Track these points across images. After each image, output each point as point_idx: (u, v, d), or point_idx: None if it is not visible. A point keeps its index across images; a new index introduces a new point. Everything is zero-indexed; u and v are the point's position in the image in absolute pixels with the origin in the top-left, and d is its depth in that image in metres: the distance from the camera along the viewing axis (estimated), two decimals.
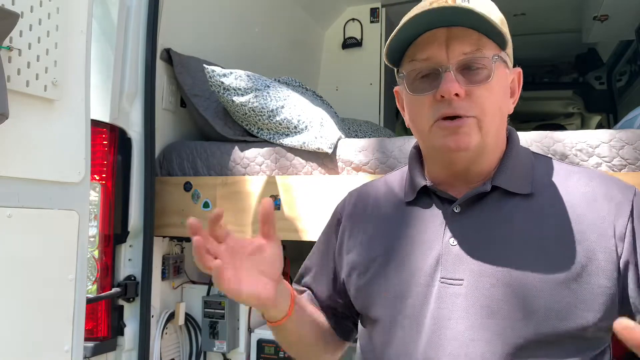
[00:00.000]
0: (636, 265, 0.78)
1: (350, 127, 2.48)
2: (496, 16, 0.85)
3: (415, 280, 0.86)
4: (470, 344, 0.79)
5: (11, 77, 1.05)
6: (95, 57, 1.37)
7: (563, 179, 0.87)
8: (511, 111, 0.91)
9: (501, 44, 0.84)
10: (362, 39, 3.38)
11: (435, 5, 0.80)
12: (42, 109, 1.15)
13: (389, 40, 0.85)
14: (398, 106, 0.96)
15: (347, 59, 3.41)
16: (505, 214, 0.85)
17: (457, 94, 0.80)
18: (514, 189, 0.86)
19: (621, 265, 0.78)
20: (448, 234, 0.86)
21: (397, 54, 0.88)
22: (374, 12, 3.37)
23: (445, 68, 0.81)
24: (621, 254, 0.79)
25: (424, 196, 0.92)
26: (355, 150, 1.71)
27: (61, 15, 1.17)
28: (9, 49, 1.04)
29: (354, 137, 2.24)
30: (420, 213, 0.91)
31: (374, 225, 0.96)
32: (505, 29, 0.84)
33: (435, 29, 0.83)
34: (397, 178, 1.02)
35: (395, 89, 0.96)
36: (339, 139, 1.77)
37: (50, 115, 1.17)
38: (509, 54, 0.88)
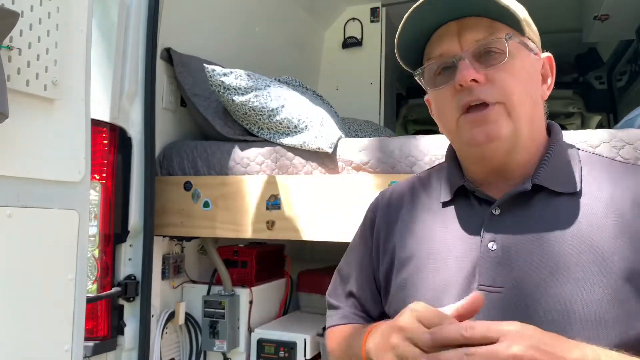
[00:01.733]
0: None
1: (351, 127, 2.48)
2: (510, 2, 0.81)
3: (451, 286, 0.81)
4: None
5: (11, 76, 1.05)
6: (95, 56, 1.36)
7: (618, 177, 0.80)
8: (545, 97, 0.86)
9: (517, 27, 0.80)
10: (362, 38, 3.38)
11: None
12: (42, 109, 1.15)
13: (396, 39, 0.84)
14: (432, 115, 0.92)
15: (347, 59, 3.41)
16: (549, 215, 0.79)
17: (475, 80, 0.78)
18: (559, 187, 0.80)
19: None
20: (487, 237, 0.80)
21: (412, 54, 0.87)
22: (374, 12, 3.37)
23: (459, 57, 0.80)
24: None
25: (461, 197, 0.88)
26: (355, 149, 1.71)
27: (61, 14, 1.17)
28: (9, 48, 1.04)
29: (354, 137, 2.24)
30: (458, 214, 0.87)
31: (409, 226, 0.92)
32: (521, 13, 0.81)
33: (445, 25, 0.82)
34: (432, 177, 0.97)
35: (426, 97, 0.93)
36: (339, 139, 1.77)
37: (50, 115, 1.17)
38: (532, 39, 0.84)
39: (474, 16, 0.80)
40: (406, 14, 0.82)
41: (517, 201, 0.81)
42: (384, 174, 1.63)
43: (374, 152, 1.67)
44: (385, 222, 0.97)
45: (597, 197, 0.78)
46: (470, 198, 0.86)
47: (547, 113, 0.89)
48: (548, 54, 0.88)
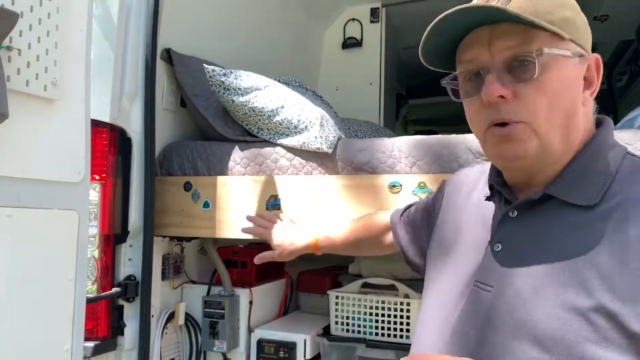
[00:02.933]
0: None
1: (350, 127, 2.48)
2: (546, 5, 0.75)
3: (459, 277, 0.86)
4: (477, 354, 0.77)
5: (11, 76, 1.05)
6: (95, 56, 1.36)
7: None
8: (587, 105, 0.80)
9: (559, 33, 0.75)
10: (362, 39, 3.38)
11: (470, 5, 0.75)
12: (42, 109, 1.15)
13: (422, 44, 0.82)
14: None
15: (347, 59, 3.41)
16: (556, 226, 0.76)
17: (502, 97, 0.75)
18: (572, 198, 0.76)
19: None
20: (495, 238, 0.82)
21: (442, 56, 0.84)
22: (374, 12, 3.36)
23: (487, 70, 0.77)
24: None
25: (497, 194, 0.88)
26: (355, 150, 1.71)
27: (61, 14, 1.17)
28: (9, 48, 1.04)
29: (354, 137, 2.24)
30: (489, 211, 0.88)
31: (459, 213, 0.96)
32: (557, 15, 0.75)
33: (477, 29, 0.78)
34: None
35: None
36: (339, 139, 1.77)
37: (50, 115, 1.17)
38: (576, 40, 0.77)
39: (508, 22, 0.75)
40: (435, 20, 0.78)
41: (532, 207, 0.80)
42: (383, 174, 1.63)
43: (373, 152, 1.67)
44: (448, 201, 1.03)
45: (619, 212, 0.72)
46: (501, 197, 0.87)
47: (595, 111, 0.83)
48: (595, 55, 0.81)
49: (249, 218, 1.55)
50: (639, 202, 0.72)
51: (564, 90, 0.76)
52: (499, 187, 0.86)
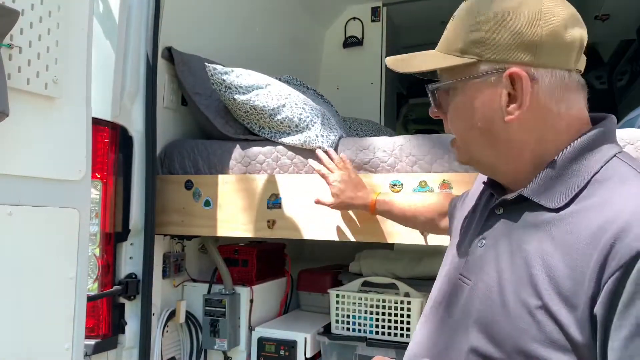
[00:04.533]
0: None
1: (351, 126, 2.48)
2: (457, 34, 0.81)
3: (451, 270, 0.90)
4: (450, 346, 0.82)
5: (12, 74, 1.05)
6: (96, 55, 1.36)
7: (611, 194, 0.72)
8: (514, 118, 0.77)
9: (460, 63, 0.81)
10: (363, 38, 3.38)
11: (390, 62, 0.89)
12: (43, 107, 1.15)
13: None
14: None
15: (348, 58, 3.40)
16: (525, 225, 0.78)
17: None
18: (541, 200, 0.77)
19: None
20: (482, 233, 0.86)
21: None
22: (375, 11, 3.36)
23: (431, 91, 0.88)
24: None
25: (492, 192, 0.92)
26: (356, 149, 1.71)
27: (62, 12, 1.17)
28: (10, 46, 1.04)
29: (354, 136, 2.24)
30: (485, 209, 0.91)
31: (470, 207, 0.99)
32: (471, 41, 0.79)
33: None
34: None
35: None
36: (340, 138, 1.77)
37: (51, 113, 1.17)
38: (491, 58, 0.78)
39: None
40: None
41: (513, 206, 0.82)
42: (384, 173, 1.63)
43: (374, 151, 1.67)
44: (469, 198, 1.06)
45: (579, 217, 0.72)
46: (493, 195, 0.90)
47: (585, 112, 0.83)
48: (512, 69, 0.76)
49: (320, 153, 1.64)
50: (593, 208, 0.71)
51: (474, 111, 0.81)
52: (489, 186, 0.90)
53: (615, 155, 0.77)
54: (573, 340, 0.67)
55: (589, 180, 0.75)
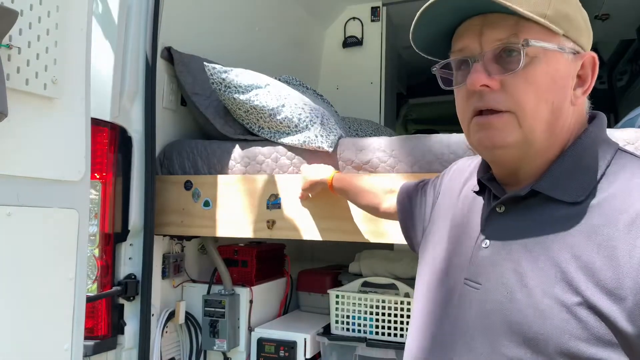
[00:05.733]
0: None
1: (351, 126, 2.48)
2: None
3: (448, 275, 0.85)
4: (467, 353, 0.77)
5: (10, 75, 1.05)
6: (95, 55, 1.36)
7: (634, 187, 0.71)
8: (577, 104, 0.78)
9: (550, 27, 0.74)
10: (362, 37, 3.38)
11: None
12: (42, 107, 1.15)
13: (411, 34, 0.82)
14: None
15: (348, 58, 3.40)
16: (543, 222, 0.75)
17: (487, 86, 0.74)
18: (558, 194, 0.75)
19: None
20: (485, 233, 0.82)
21: (439, 45, 0.84)
22: (374, 11, 3.36)
23: (474, 58, 0.76)
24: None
25: (486, 189, 0.88)
26: (355, 149, 1.70)
27: (61, 13, 1.17)
28: (8, 47, 1.04)
29: (354, 136, 2.24)
30: (477, 206, 0.87)
31: (452, 204, 0.95)
32: (557, 12, 0.74)
33: (471, 18, 0.77)
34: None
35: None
36: (339, 138, 1.77)
37: (50, 114, 1.17)
38: (571, 36, 0.76)
39: (500, 13, 0.74)
40: (424, 6, 0.76)
41: (519, 203, 0.79)
42: (384, 173, 1.63)
43: (374, 151, 1.67)
44: (444, 190, 1.02)
45: (604, 209, 0.71)
46: (489, 192, 0.86)
47: (589, 110, 0.83)
48: (590, 53, 0.79)
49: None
50: (621, 195, 0.70)
51: (552, 85, 0.75)
52: (487, 183, 0.85)
53: (618, 149, 0.78)
54: (622, 332, 0.65)
55: (604, 172, 0.75)
